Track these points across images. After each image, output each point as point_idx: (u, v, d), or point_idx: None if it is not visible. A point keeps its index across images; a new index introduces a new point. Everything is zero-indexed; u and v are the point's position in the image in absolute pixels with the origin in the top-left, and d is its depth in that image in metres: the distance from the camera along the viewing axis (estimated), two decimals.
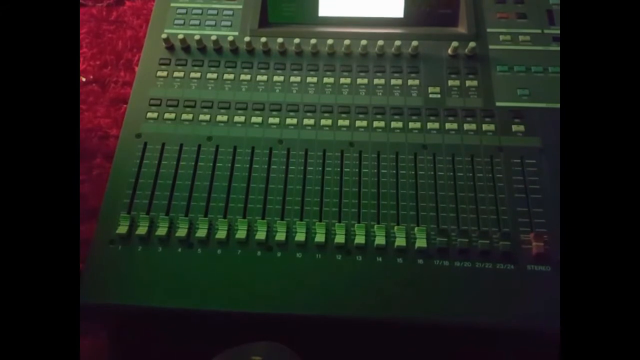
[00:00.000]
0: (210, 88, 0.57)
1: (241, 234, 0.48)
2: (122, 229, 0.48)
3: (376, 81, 0.57)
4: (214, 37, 0.59)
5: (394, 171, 0.52)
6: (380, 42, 0.58)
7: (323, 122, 0.55)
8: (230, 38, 0.59)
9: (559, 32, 0.60)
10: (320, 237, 0.48)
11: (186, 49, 0.60)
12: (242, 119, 0.55)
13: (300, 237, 0.48)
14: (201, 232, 0.48)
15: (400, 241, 0.48)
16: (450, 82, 0.57)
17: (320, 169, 0.52)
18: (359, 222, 0.49)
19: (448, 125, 0.54)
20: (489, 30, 0.60)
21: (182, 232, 0.48)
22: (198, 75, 0.58)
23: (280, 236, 0.48)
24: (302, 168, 0.52)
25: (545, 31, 0.60)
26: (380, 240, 0.48)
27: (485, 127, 0.54)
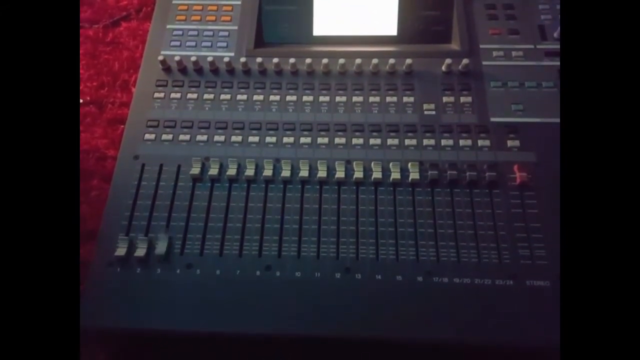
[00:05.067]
0: (207, 108, 0.58)
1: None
2: (121, 252, 0.48)
3: (371, 99, 0.58)
4: (210, 58, 0.59)
5: (391, 188, 0.52)
6: (375, 60, 0.59)
7: (320, 140, 0.55)
8: (226, 59, 0.59)
9: (551, 47, 0.61)
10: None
11: (183, 70, 0.60)
12: (239, 138, 0.55)
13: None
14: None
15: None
16: (444, 99, 0.58)
17: (318, 187, 0.52)
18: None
19: (444, 142, 0.55)
20: (481, 46, 0.61)
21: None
22: (195, 96, 0.59)
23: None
24: (300, 186, 0.52)
25: (538, 46, 0.61)
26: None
27: (480, 142, 0.54)
